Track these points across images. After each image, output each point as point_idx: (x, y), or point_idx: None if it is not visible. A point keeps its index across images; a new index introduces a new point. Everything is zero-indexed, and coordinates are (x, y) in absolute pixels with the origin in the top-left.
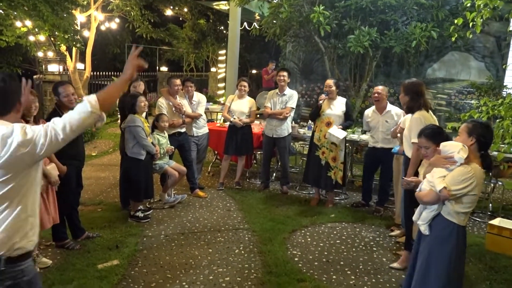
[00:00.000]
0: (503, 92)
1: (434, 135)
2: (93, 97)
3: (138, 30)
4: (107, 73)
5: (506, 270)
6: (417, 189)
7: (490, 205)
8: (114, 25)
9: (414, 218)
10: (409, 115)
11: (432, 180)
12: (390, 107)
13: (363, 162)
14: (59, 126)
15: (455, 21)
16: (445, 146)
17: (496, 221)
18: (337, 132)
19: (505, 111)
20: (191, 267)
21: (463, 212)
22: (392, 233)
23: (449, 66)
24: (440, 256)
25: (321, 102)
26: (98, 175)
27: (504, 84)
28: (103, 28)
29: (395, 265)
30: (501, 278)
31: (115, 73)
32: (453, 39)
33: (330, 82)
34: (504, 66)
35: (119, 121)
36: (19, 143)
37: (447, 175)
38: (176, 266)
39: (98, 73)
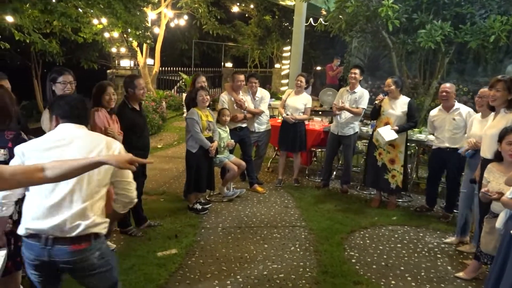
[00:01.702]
0: None
1: None
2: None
3: (205, 27)
4: (174, 68)
5: None
6: (508, 196)
7: None
8: (182, 22)
9: (497, 225)
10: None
11: None
12: (458, 105)
13: (428, 164)
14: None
15: None
16: None
17: None
18: (385, 133)
19: None
20: (246, 261)
21: None
22: (447, 240)
23: None
24: None
25: (377, 102)
26: (163, 166)
27: None
28: (172, 25)
29: (461, 274)
30: None
31: (183, 68)
32: None
33: (389, 81)
34: None
35: (184, 114)
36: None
37: None
38: (232, 259)
39: (166, 68)
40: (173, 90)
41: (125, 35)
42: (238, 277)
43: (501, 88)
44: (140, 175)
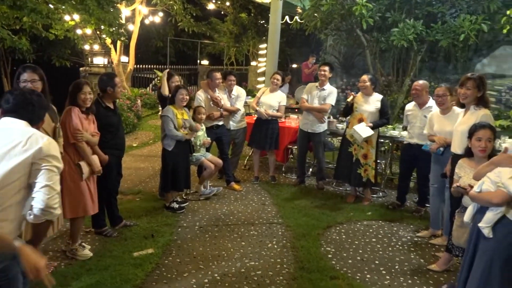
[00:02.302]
0: None
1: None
2: None
3: (180, 24)
4: (149, 66)
5: None
6: (476, 190)
7: None
8: (157, 19)
9: (465, 219)
10: (471, 110)
11: (501, 181)
12: (432, 103)
13: (399, 160)
14: None
15: (507, 12)
16: None
17: None
18: (361, 130)
19: None
20: (223, 259)
21: None
22: (420, 234)
23: (500, 61)
24: (506, 260)
25: (349, 100)
26: (138, 165)
27: None
28: (146, 22)
29: (433, 266)
30: None
31: (158, 66)
32: (505, 31)
33: (365, 77)
34: None
35: (160, 112)
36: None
37: None
38: (209, 257)
39: (141, 66)
40: (148, 88)
41: (98, 32)
42: (216, 275)
43: (471, 86)
44: (115, 174)
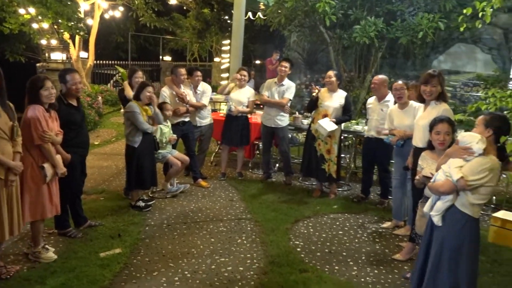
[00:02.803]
0: (510, 85)
1: (454, 124)
2: None
3: (142, 19)
4: (110, 62)
5: (509, 262)
6: (431, 180)
7: (494, 197)
8: (118, 13)
9: (425, 209)
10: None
11: (449, 171)
12: (390, 97)
13: (361, 154)
14: None
15: (464, 11)
16: (464, 136)
17: (500, 214)
18: (326, 124)
19: None
20: (193, 256)
21: (478, 203)
22: (384, 225)
23: (455, 58)
24: (454, 248)
25: (314, 93)
26: (101, 164)
27: (511, 76)
28: (106, 16)
29: (397, 256)
30: (504, 270)
31: (119, 62)
32: (462, 29)
33: (330, 73)
34: None
35: (122, 110)
36: None
37: (464, 166)
38: (178, 255)
39: (101, 61)
40: (109, 85)
41: (55, 26)
42: (186, 272)
43: (436, 83)
44: (79, 174)
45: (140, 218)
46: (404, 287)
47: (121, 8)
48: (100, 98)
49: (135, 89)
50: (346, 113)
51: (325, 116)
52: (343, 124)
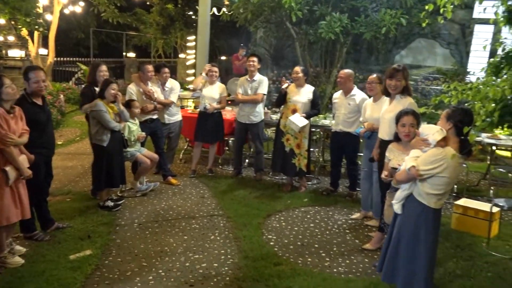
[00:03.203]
0: (467, 78)
1: (418, 116)
2: None
3: (103, 15)
4: (71, 58)
5: (470, 247)
6: (397, 171)
7: (455, 186)
8: (78, 8)
9: (393, 201)
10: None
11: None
12: (356, 91)
13: (329, 148)
14: None
15: (426, 7)
16: (423, 128)
17: (461, 202)
18: (297, 120)
19: (473, 95)
20: (166, 254)
21: (434, 194)
22: (353, 216)
23: (416, 53)
24: (410, 235)
25: (284, 86)
26: (66, 164)
27: (468, 70)
28: (66, 12)
29: (367, 246)
30: (466, 255)
31: (80, 59)
32: (424, 24)
33: (297, 69)
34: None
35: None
36: None
37: (421, 156)
38: (152, 254)
39: (62, 58)
40: (71, 82)
41: (13, 22)
42: (160, 271)
43: (401, 77)
44: (45, 175)
45: (109, 218)
46: (374, 275)
47: (82, 3)
48: (62, 96)
49: (99, 87)
50: (315, 107)
51: (294, 111)
52: (311, 119)
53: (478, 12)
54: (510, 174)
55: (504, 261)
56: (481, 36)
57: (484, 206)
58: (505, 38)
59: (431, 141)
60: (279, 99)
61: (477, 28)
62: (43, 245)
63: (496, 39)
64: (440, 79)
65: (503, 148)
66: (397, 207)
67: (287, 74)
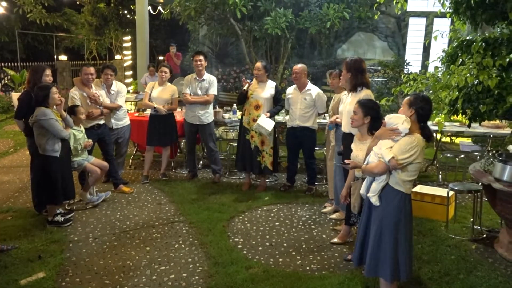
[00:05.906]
0: (405, 69)
1: (366, 106)
2: None
3: (30, 15)
4: None
5: (431, 232)
6: (364, 163)
7: None
8: (0, 9)
9: (361, 191)
10: (353, 93)
11: (380, 152)
12: (310, 86)
13: (285, 144)
14: None
15: (378, 1)
16: (390, 118)
17: (418, 188)
18: (265, 123)
19: (433, 84)
20: (130, 269)
21: (409, 180)
22: (325, 210)
23: (357, 46)
24: (393, 224)
25: (245, 87)
26: (1, 178)
27: (405, 60)
28: None
29: (335, 240)
30: (430, 240)
31: (5, 64)
32: (376, 17)
33: (259, 65)
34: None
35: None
36: None
37: (394, 146)
38: (113, 270)
39: None
40: None
41: None
42: (126, 287)
43: (344, 69)
44: None
45: (61, 235)
46: (347, 269)
47: (4, 3)
48: None
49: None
50: (277, 102)
51: (257, 107)
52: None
53: (411, 5)
54: (457, 159)
55: (464, 243)
56: (415, 28)
57: (440, 191)
58: (437, 30)
59: (402, 130)
60: (241, 97)
61: (412, 20)
62: None
63: (428, 31)
64: (380, 71)
65: (449, 134)
66: (375, 200)
67: (231, 72)
